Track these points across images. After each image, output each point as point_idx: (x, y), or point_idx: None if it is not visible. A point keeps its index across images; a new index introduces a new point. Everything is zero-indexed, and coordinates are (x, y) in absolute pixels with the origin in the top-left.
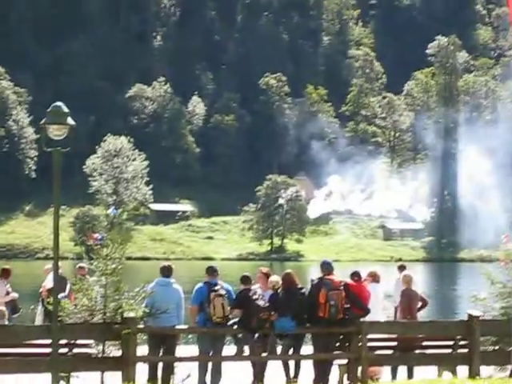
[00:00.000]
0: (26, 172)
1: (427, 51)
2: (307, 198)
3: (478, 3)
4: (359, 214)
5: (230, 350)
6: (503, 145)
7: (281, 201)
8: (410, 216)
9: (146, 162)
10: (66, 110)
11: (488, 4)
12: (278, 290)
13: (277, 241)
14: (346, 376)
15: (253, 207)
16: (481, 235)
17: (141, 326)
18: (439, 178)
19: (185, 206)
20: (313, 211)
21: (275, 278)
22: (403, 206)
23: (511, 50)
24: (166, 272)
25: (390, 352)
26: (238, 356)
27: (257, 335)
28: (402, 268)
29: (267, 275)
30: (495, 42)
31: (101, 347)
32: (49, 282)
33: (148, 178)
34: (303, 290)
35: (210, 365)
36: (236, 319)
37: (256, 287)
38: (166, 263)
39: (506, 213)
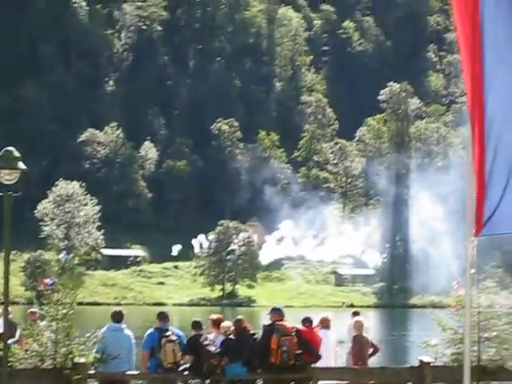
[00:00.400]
0: None
1: (379, 98)
2: (259, 244)
3: (430, 50)
4: (311, 259)
5: None
6: (455, 191)
7: (233, 246)
8: (362, 262)
9: (98, 207)
10: (17, 154)
11: (439, 51)
12: (230, 336)
13: (228, 286)
14: None
15: (204, 252)
16: (432, 281)
17: (91, 371)
18: (391, 223)
19: (136, 251)
20: (265, 257)
21: (227, 324)
22: (355, 252)
23: (462, 96)
24: (117, 317)
25: None
26: None
27: (208, 381)
28: (355, 314)
29: (218, 321)
30: (446, 88)
31: None
32: None
33: (100, 223)
34: (255, 336)
35: None
36: (187, 365)
37: (209, 334)
38: (117, 309)
39: (457, 259)
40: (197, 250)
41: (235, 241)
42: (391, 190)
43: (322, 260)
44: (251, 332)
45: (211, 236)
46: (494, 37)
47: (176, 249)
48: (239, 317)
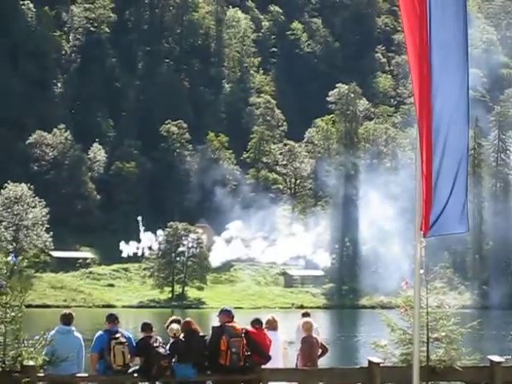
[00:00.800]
0: None
1: (328, 99)
2: (208, 245)
3: (378, 51)
4: (261, 261)
5: None
6: (404, 192)
7: (182, 248)
8: (311, 263)
9: (47, 209)
10: None
11: (388, 52)
12: (180, 337)
13: (178, 288)
14: None
15: (154, 254)
16: (382, 282)
17: (41, 374)
18: (340, 224)
19: (85, 254)
20: (214, 259)
21: (175, 326)
22: (305, 253)
23: (411, 97)
24: (67, 320)
25: None
26: None
27: (157, 383)
28: (305, 315)
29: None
30: (395, 89)
31: None
32: None
33: (48, 225)
34: (205, 338)
35: None
36: (136, 367)
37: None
38: (67, 311)
39: (407, 260)
40: (145, 246)
41: (184, 242)
42: (340, 190)
43: (271, 261)
44: (200, 334)
45: (160, 236)
46: (441, 39)
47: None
48: (187, 319)
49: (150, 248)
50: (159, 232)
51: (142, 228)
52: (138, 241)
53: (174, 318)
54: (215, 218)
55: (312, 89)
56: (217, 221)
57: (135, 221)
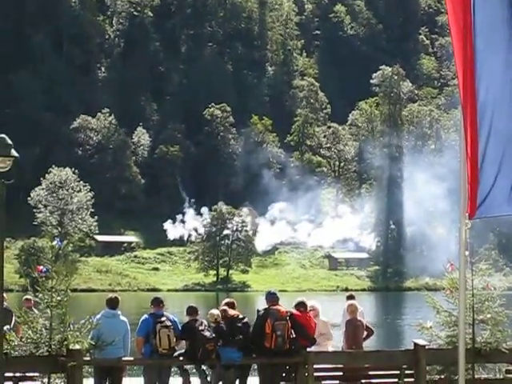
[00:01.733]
0: None
1: (371, 81)
2: (253, 228)
3: (422, 33)
4: (305, 244)
5: (176, 381)
6: (449, 173)
7: (226, 231)
8: (356, 245)
9: (91, 194)
10: (9, 141)
11: (431, 34)
12: (220, 323)
13: (222, 271)
14: None
15: (198, 238)
16: (427, 263)
17: (87, 358)
18: (385, 206)
19: (130, 238)
20: (260, 242)
21: (216, 312)
22: (350, 236)
23: (454, 79)
24: (112, 304)
25: (336, 382)
26: None
27: (203, 366)
28: (350, 298)
29: (233, 305)
30: (438, 71)
31: (46, 380)
32: None
33: (93, 210)
34: (245, 320)
35: None
36: (182, 350)
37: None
38: (112, 295)
39: (454, 240)
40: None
41: (229, 225)
42: (385, 172)
43: (316, 244)
44: (240, 316)
45: (205, 220)
46: (485, 20)
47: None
48: (223, 307)
49: (195, 231)
50: (204, 215)
51: (187, 211)
52: (183, 224)
53: (228, 300)
54: (260, 202)
55: (355, 71)
56: (261, 204)
57: (180, 204)
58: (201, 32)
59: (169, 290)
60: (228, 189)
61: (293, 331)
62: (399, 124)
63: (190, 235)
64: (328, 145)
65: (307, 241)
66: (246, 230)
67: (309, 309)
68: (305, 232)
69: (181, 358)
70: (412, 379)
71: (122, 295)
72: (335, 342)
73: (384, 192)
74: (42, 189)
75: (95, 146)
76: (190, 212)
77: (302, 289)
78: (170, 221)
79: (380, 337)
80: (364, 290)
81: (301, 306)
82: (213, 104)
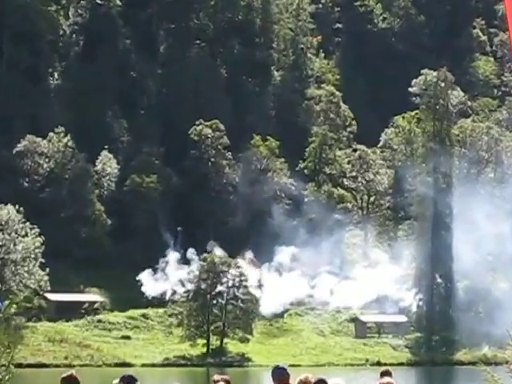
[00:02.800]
0: None
1: (410, 89)
2: (255, 283)
3: (476, 27)
4: (326, 303)
5: None
6: None
7: (220, 287)
8: (390, 305)
9: (41, 239)
10: None
11: (489, 28)
12: None
13: (215, 341)
14: None
15: (183, 296)
16: (485, 329)
17: None
18: (429, 253)
19: (93, 296)
20: (264, 301)
21: None
22: (382, 293)
23: None
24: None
25: None
26: None
27: None
28: (385, 374)
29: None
30: (499, 76)
31: None
32: None
33: (43, 260)
34: None
35: None
36: None
37: None
38: (69, 372)
39: None
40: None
41: (224, 280)
42: (428, 209)
43: (337, 304)
44: None
45: (191, 273)
46: None
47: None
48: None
49: (181, 284)
50: (191, 267)
51: (169, 259)
52: (165, 277)
53: (219, 377)
54: (265, 248)
55: (389, 77)
56: (267, 251)
57: (159, 251)
58: (185, 26)
59: (144, 365)
60: (221, 231)
61: None
62: (447, 145)
63: (173, 292)
64: (354, 173)
65: (328, 300)
66: (247, 286)
67: None
68: (325, 288)
69: None
70: None
71: (81, 372)
72: None
73: (428, 235)
74: None
75: (46, 175)
76: (172, 261)
77: (321, 363)
78: (146, 272)
79: None
80: (402, 364)
81: None
82: (201, 120)
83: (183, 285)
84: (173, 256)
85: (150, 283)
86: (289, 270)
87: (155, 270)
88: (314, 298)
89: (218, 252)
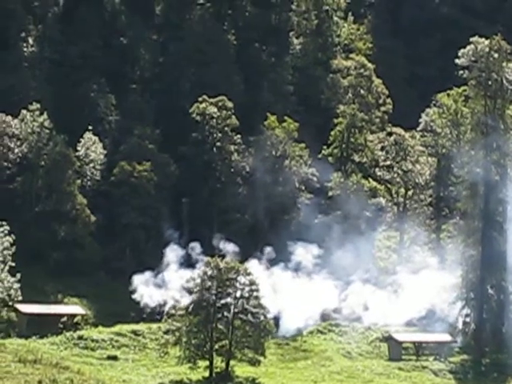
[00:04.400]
0: None
1: (457, 61)
2: (269, 292)
3: None
4: (356, 318)
5: None
6: None
7: (227, 298)
8: (431, 322)
9: (11, 238)
10: None
11: None
12: None
13: (219, 362)
14: None
15: (181, 309)
16: None
17: None
18: (478, 259)
19: (73, 308)
20: (282, 319)
21: None
22: (420, 307)
23: None
24: None
25: None
26: None
27: None
28: None
29: None
30: None
31: None
32: None
33: (13, 264)
34: None
35: None
36: None
37: None
38: None
39: None
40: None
41: (231, 289)
42: (477, 207)
43: (367, 319)
44: None
45: (191, 280)
46: None
47: None
48: None
49: (178, 297)
50: (191, 273)
51: (163, 267)
52: (157, 288)
53: None
54: (277, 249)
55: (431, 46)
56: (280, 253)
57: (151, 256)
58: None
59: None
60: (228, 229)
61: None
62: (502, 129)
63: (170, 303)
64: (388, 162)
65: (359, 313)
66: (257, 297)
67: None
68: (347, 300)
69: None
70: None
71: None
72: None
73: (477, 236)
74: None
75: (18, 162)
76: (169, 266)
77: None
78: (137, 280)
79: None
80: None
81: None
82: (204, 97)
83: (182, 295)
84: (170, 260)
85: (142, 293)
86: (310, 277)
87: (148, 277)
88: (342, 312)
89: (229, 247)
